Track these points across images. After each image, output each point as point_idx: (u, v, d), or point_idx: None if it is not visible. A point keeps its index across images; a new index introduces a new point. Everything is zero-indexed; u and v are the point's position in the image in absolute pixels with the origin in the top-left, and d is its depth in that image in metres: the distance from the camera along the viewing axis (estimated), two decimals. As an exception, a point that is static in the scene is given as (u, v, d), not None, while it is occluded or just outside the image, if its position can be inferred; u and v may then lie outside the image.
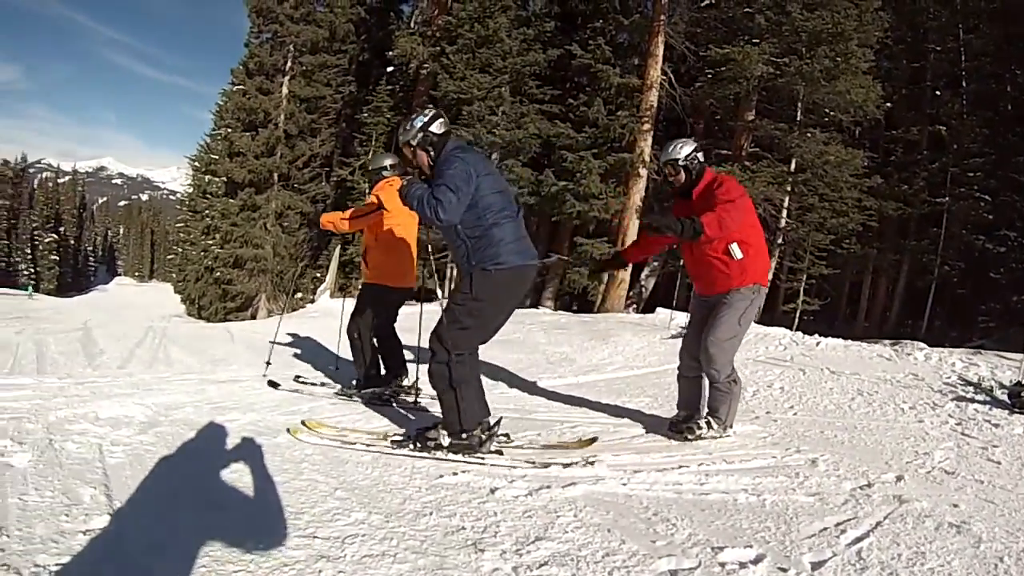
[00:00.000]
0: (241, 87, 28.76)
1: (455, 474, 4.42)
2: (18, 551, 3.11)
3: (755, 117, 21.62)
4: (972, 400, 6.87)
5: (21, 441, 4.90)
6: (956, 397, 7.05)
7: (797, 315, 21.76)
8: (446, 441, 4.87)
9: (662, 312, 16.83)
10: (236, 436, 5.44)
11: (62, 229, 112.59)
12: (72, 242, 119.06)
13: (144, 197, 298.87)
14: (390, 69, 29.39)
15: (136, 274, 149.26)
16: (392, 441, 5.10)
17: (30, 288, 76.49)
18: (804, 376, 8.04)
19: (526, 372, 9.32)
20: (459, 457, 4.76)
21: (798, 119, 21.00)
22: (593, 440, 5.22)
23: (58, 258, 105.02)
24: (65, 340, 13.51)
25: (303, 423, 5.57)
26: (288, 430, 5.46)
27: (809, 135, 20.69)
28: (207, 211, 33.04)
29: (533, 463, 4.66)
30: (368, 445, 5.14)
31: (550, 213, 23.03)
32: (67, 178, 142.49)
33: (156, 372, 9.20)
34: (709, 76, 21.06)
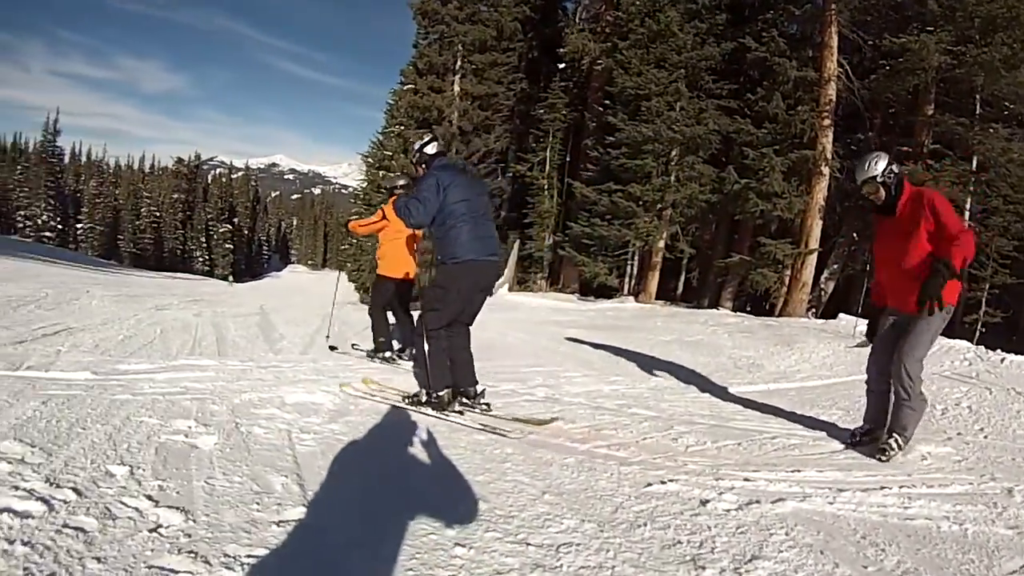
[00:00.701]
0: (412, 86, 29.54)
1: (663, 483, 4.47)
2: (206, 538, 3.19)
3: (934, 111, 20.48)
4: None
5: (206, 423, 5.15)
6: None
7: (978, 328, 20.38)
8: (424, 398, 6.39)
9: (845, 319, 16.41)
10: (430, 429, 5.59)
11: (236, 220, 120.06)
12: (246, 232, 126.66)
13: (316, 191, 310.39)
14: (561, 66, 29.54)
15: (309, 262, 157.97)
16: (403, 397, 6.62)
17: (230, 278, 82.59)
18: (991, 396, 7.76)
19: (716, 376, 9.37)
20: (432, 412, 6.21)
21: (978, 113, 19.92)
22: (552, 420, 6.12)
23: (232, 247, 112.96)
24: (244, 324, 13.74)
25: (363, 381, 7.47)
26: (340, 386, 6.98)
27: (991, 130, 19.41)
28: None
29: (484, 427, 5.79)
30: (391, 398, 6.75)
31: (732, 212, 22.68)
32: (240, 174, 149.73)
33: (338, 359, 9.42)
34: (886, 68, 20.13)
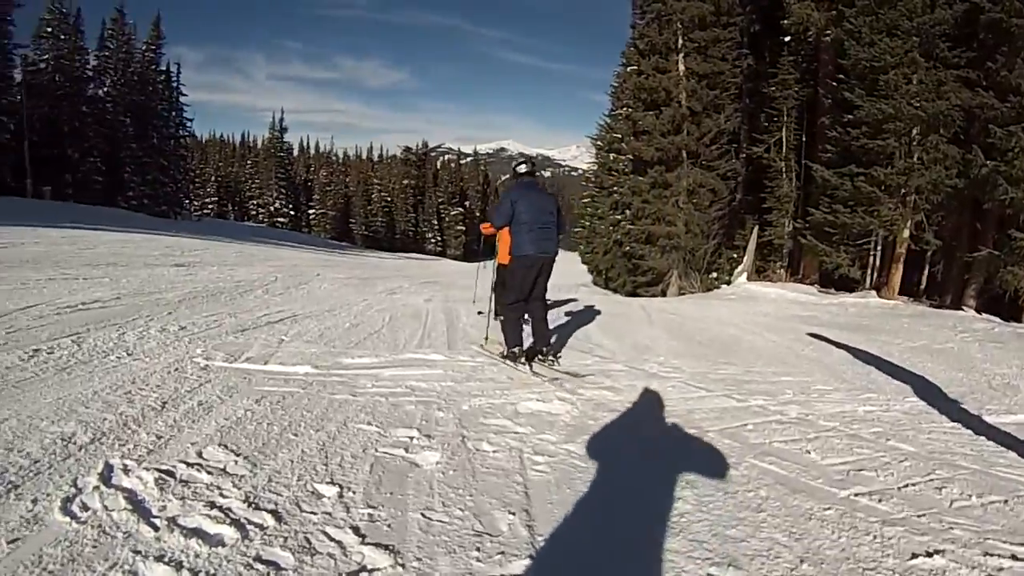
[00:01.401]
0: (635, 68, 29.01)
1: (928, 555, 3.63)
2: (417, 591, 2.83)
3: None
4: None
5: (430, 434, 4.92)
6: None
7: None
8: (505, 352, 8.10)
9: None
10: (682, 459, 4.96)
11: (467, 203, 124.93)
12: (477, 214, 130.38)
13: (547, 174, 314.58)
14: (787, 39, 27.76)
15: None
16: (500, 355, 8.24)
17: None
18: None
19: (970, 400, 7.94)
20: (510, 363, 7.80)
21: None
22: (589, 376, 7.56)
23: (464, 228, 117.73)
24: (476, 311, 13.27)
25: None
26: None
27: None
28: (614, 187, 33.65)
29: (543, 375, 7.43)
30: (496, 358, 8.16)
31: (979, 199, 19.94)
32: (468, 159, 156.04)
33: (577, 360, 8.71)
34: None
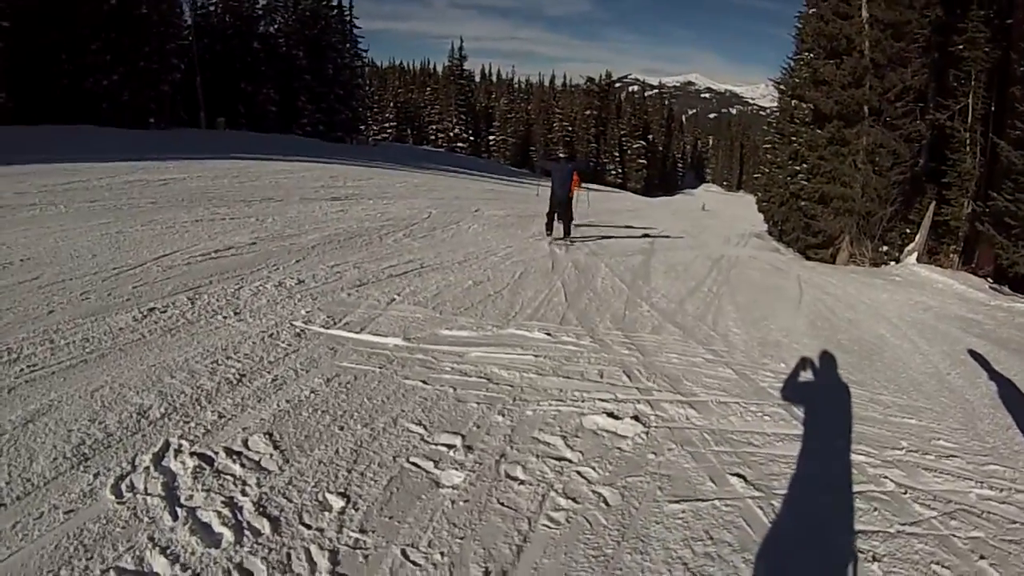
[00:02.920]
0: (816, 11, 27.94)
1: None
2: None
3: None
4: None
5: (472, 445, 4.74)
6: None
7: None
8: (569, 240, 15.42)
9: None
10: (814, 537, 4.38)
11: (650, 137, 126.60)
12: (661, 149, 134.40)
13: (733, 111, 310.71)
14: None
15: (724, 183, 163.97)
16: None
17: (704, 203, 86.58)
18: None
19: None
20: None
21: None
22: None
23: (646, 163, 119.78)
24: (617, 268, 13.04)
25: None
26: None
27: None
28: (793, 137, 32.58)
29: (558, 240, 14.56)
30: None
31: None
32: (653, 92, 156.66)
33: (687, 354, 7.89)
34: None
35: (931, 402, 7.94)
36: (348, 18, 65.98)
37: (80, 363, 5.39)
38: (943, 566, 4.33)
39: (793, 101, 31.40)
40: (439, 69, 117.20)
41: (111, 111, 39.45)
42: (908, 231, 26.57)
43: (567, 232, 15.90)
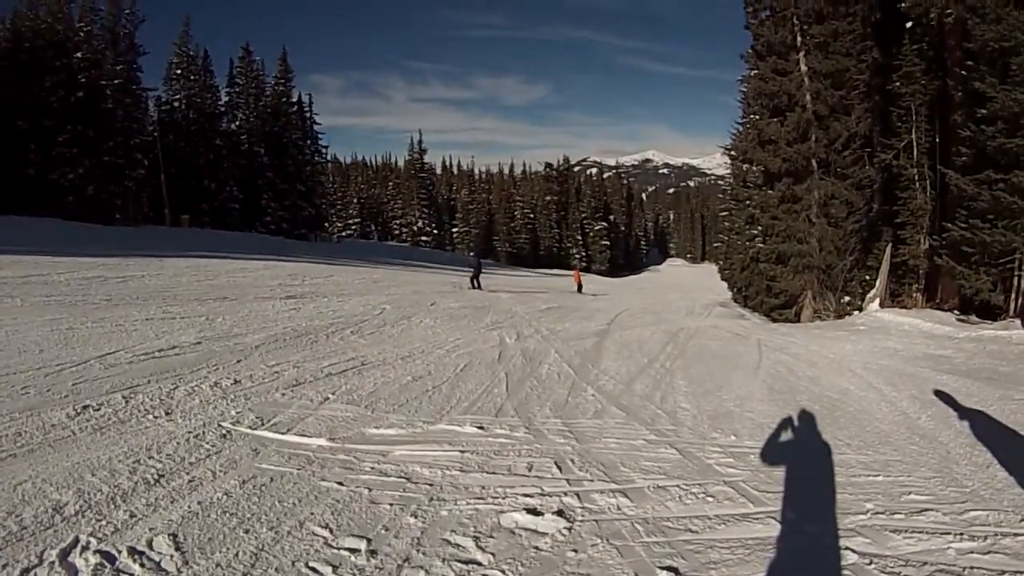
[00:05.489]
0: (756, 71, 28.39)
1: None
2: None
3: None
4: None
5: (376, 550, 4.50)
6: None
7: None
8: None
9: None
10: None
11: (611, 217, 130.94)
12: (622, 228, 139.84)
13: (692, 184, 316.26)
14: (908, 25, 26.09)
15: (688, 256, 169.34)
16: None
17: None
18: None
19: None
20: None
21: None
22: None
23: (609, 243, 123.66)
24: (568, 352, 13.00)
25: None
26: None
27: None
28: (748, 200, 33.20)
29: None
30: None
31: None
32: (612, 172, 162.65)
33: (628, 431, 7.79)
34: None
35: (900, 453, 7.66)
36: (308, 114, 68.44)
37: (9, 457, 5.57)
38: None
39: (744, 165, 32.03)
40: (400, 163, 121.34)
41: (77, 204, 40.93)
42: (868, 278, 26.86)
43: (479, 285, 29.91)
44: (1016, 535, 5.37)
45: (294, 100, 66.09)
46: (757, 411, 9.29)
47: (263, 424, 6.91)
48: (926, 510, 5.79)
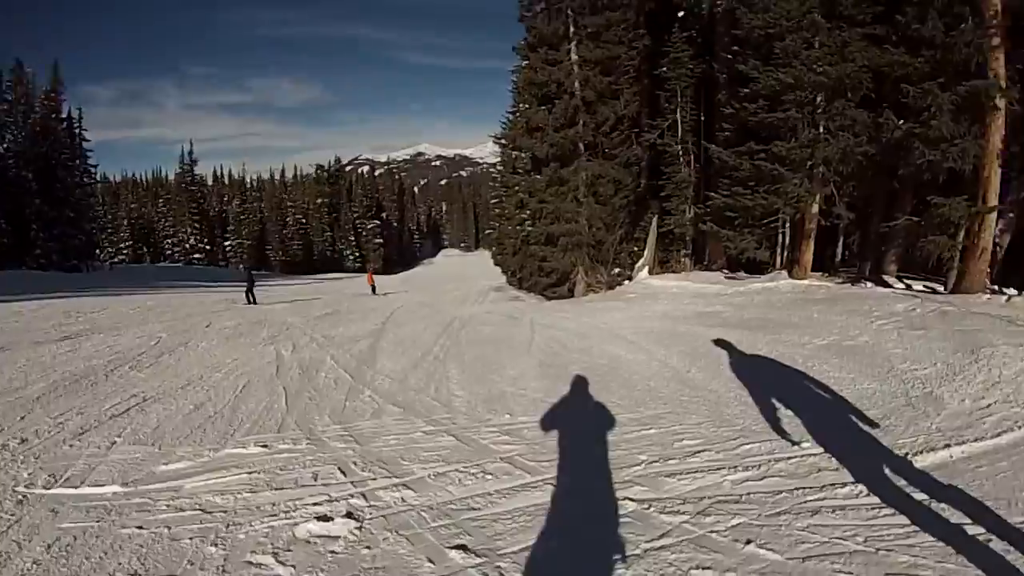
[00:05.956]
0: (528, 62, 28.87)
1: None
2: None
3: None
4: None
5: None
6: None
7: None
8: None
9: None
10: None
11: (384, 215, 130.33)
12: (395, 224, 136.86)
13: (465, 174, 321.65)
14: (681, 14, 27.84)
15: (462, 245, 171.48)
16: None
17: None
18: None
19: (887, 428, 7.30)
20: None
21: None
22: None
23: (382, 240, 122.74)
24: (343, 357, 13.02)
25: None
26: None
27: None
28: (517, 187, 33.71)
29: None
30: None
31: (894, 165, 19.13)
32: (383, 169, 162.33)
33: (406, 426, 8.07)
34: None
35: (671, 405, 8.55)
36: (77, 130, 62.65)
37: None
38: (703, 568, 4.46)
39: (513, 152, 32.35)
40: (172, 177, 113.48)
41: None
42: (636, 248, 28.44)
43: (254, 299, 29.24)
44: (789, 459, 6.34)
45: (64, 116, 60.63)
46: (530, 388, 9.89)
47: (57, 481, 6.37)
48: (700, 451, 6.68)
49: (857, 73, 19.05)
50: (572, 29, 27.17)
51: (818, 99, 19.80)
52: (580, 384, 9.73)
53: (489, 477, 6.17)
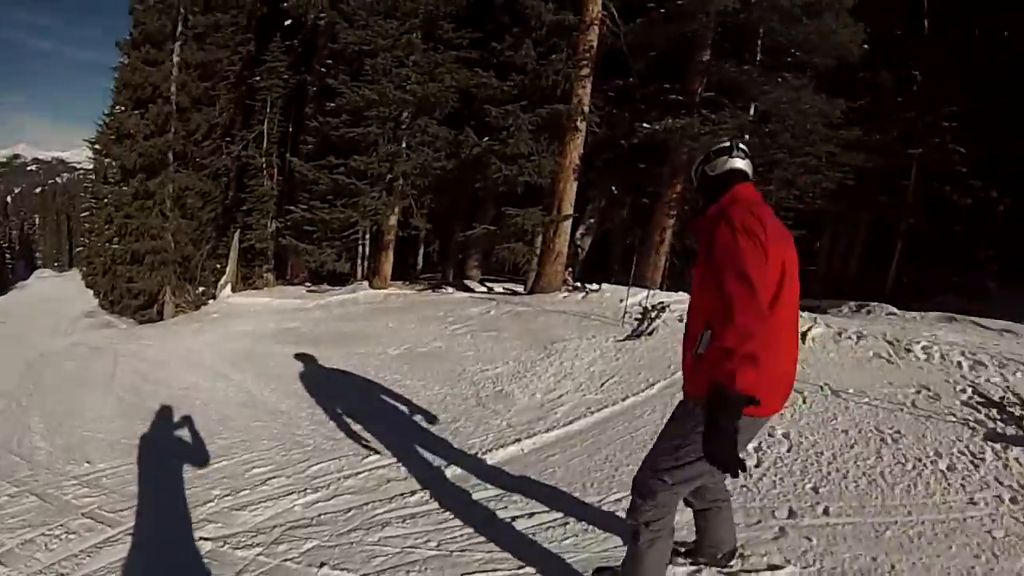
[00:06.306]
0: (129, 60, 26.42)
1: None
2: None
3: (711, 57, 18.95)
4: (1009, 441, 5.57)
5: None
6: (989, 435, 5.75)
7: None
8: None
9: (609, 290, 14.84)
10: None
11: None
12: None
13: (62, 181, 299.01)
14: (287, 23, 26.64)
15: (56, 264, 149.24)
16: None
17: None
18: (807, 408, 6.53)
19: (459, 427, 7.49)
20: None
21: (758, 60, 18.79)
22: None
23: None
24: None
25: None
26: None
27: (779, 80, 18.24)
28: (107, 199, 30.41)
29: None
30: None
31: (472, 179, 20.35)
32: None
33: None
34: (660, 11, 18.22)
35: (244, 433, 8.11)
36: None
37: None
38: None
39: (106, 160, 29.72)
40: None
41: None
42: (219, 266, 27.42)
43: None
44: (358, 474, 6.27)
45: None
46: (109, 430, 8.95)
47: None
48: (270, 478, 6.41)
49: (444, 92, 19.87)
50: (180, 28, 25.40)
51: (404, 115, 20.27)
52: (159, 420, 8.96)
53: (73, 537, 5.53)
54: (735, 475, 2.97)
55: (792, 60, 18.91)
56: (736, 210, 3.12)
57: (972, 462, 5.27)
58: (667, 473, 3.32)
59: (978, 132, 21.95)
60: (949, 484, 4.98)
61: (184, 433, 8.21)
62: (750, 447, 5.63)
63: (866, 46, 19.33)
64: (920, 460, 5.34)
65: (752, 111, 18.54)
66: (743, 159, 3.52)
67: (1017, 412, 6.17)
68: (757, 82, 18.16)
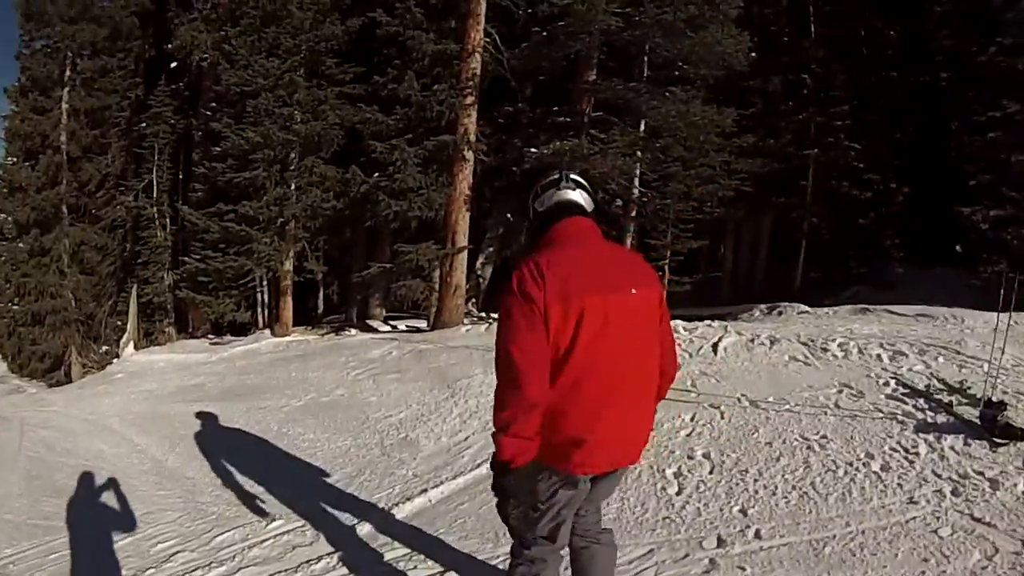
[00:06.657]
0: (16, 109, 25.74)
1: None
2: None
3: (597, 77, 18.95)
4: (941, 430, 5.69)
5: None
6: (920, 427, 5.86)
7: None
8: None
9: None
10: None
11: None
12: None
13: None
14: (173, 65, 26.13)
15: None
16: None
17: None
18: (725, 423, 6.55)
19: (359, 483, 7.24)
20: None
21: (645, 76, 18.42)
22: None
23: None
24: None
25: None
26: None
27: (668, 94, 18.09)
28: (2, 257, 29.71)
29: None
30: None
31: (363, 217, 20.12)
32: None
33: None
34: (543, 34, 18.32)
35: (147, 504, 7.58)
36: None
37: None
38: None
39: (2, 215, 29.06)
40: None
41: None
42: (121, 323, 26.15)
43: None
44: (263, 542, 5.81)
45: None
46: (15, 510, 8.07)
47: None
48: (176, 553, 5.93)
49: (329, 130, 19.48)
50: (68, 73, 24.87)
51: (290, 156, 19.92)
52: (65, 496, 8.18)
53: None
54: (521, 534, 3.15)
55: (680, 74, 18.83)
56: (525, 264, 2.99)
57: (906, 458, 5.34)
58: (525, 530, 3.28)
59: (869, 126, 23.51)
60: (885, 486, 5.02)
61: (93, 509, 7.84)
62: (668, 473, 5.70)
63: (753, 54, 19.42)
64: (851, 464, 5.38)
65: (642, 127, 18.42)
66: (574, 190, 3.29)
67: (945, 398, 6.32)
68: (645, 98, 18.05)
